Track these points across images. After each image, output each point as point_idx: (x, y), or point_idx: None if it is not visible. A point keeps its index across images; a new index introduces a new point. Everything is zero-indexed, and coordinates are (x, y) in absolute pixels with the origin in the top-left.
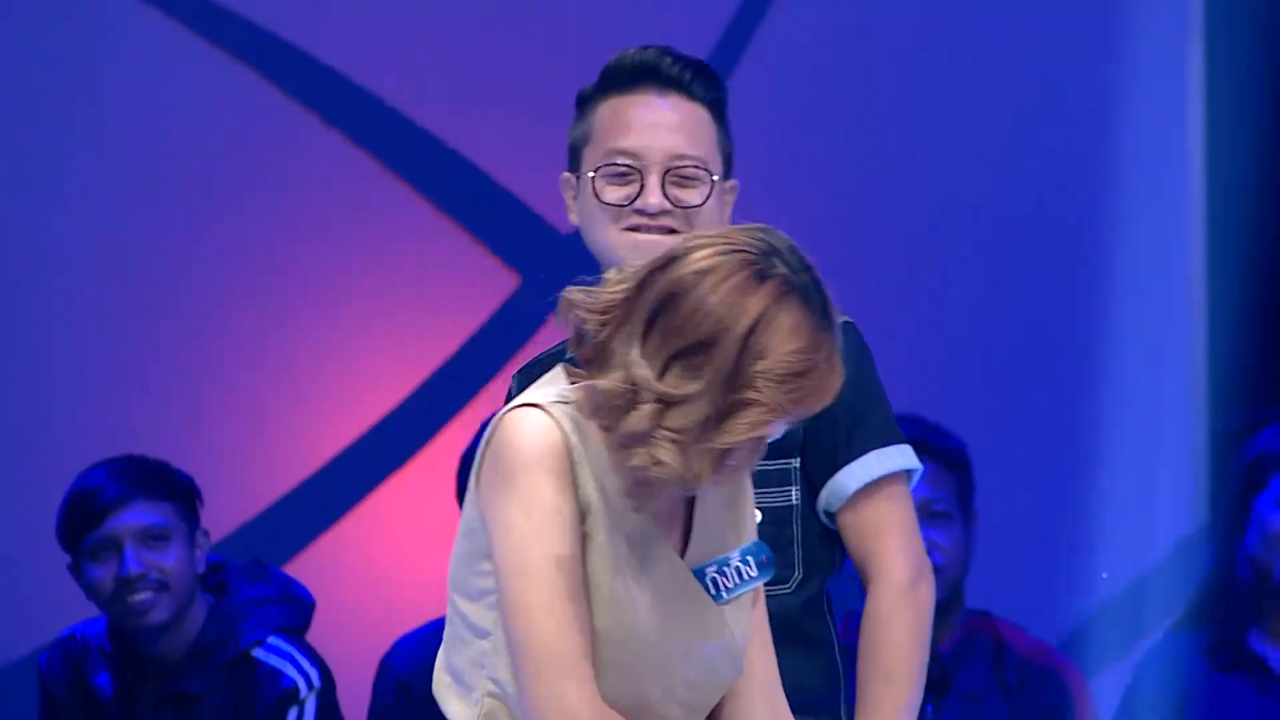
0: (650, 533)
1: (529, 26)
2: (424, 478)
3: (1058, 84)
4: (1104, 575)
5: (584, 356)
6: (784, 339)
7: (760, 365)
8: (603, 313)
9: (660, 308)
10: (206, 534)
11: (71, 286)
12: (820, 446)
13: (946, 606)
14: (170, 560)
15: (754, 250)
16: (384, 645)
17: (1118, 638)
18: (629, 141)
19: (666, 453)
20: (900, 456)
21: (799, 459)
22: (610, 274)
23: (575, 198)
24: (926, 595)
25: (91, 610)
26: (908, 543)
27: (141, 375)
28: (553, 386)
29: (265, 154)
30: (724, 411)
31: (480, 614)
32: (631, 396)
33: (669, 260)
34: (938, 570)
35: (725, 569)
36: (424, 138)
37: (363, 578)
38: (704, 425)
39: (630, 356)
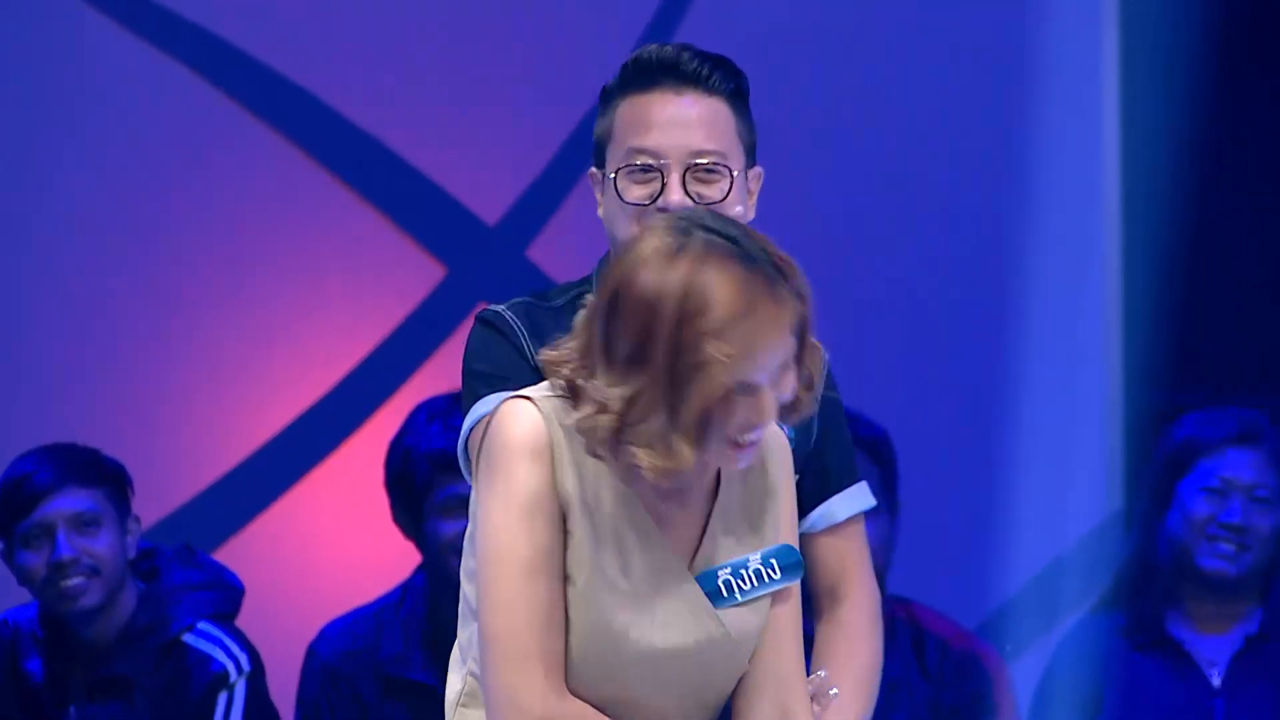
0: (646, 532)
1: (454, 18)
2: (352, 466)
3: (973, 75)
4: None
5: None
6: (716, 290)
7: (700, 323)
8: (580, 358)
9: (607, 327)
10: (137, 520)
11: (4, 280)
12: (814, 466)
13: None
14: (101, 545)
15: (670, 233)
16: (312, 631)
17: (1034, 621)
18: (648, 140)
19: (641, 455)
20: (868, 493)
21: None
22: (577, 319)
23: (602, 193)
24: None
25: (23, 596)
26: (871, 574)
27: (72, 364)
28: (547, 384)
29: (192, 146)
30: (682, 382)
31: (474, 595)
32: (596, 414)
33: (607, 284)
34: None
35: (742, 571)
36: (350, 130)
37: (292, 564)
38: (667, 409)
39: (593, 382)
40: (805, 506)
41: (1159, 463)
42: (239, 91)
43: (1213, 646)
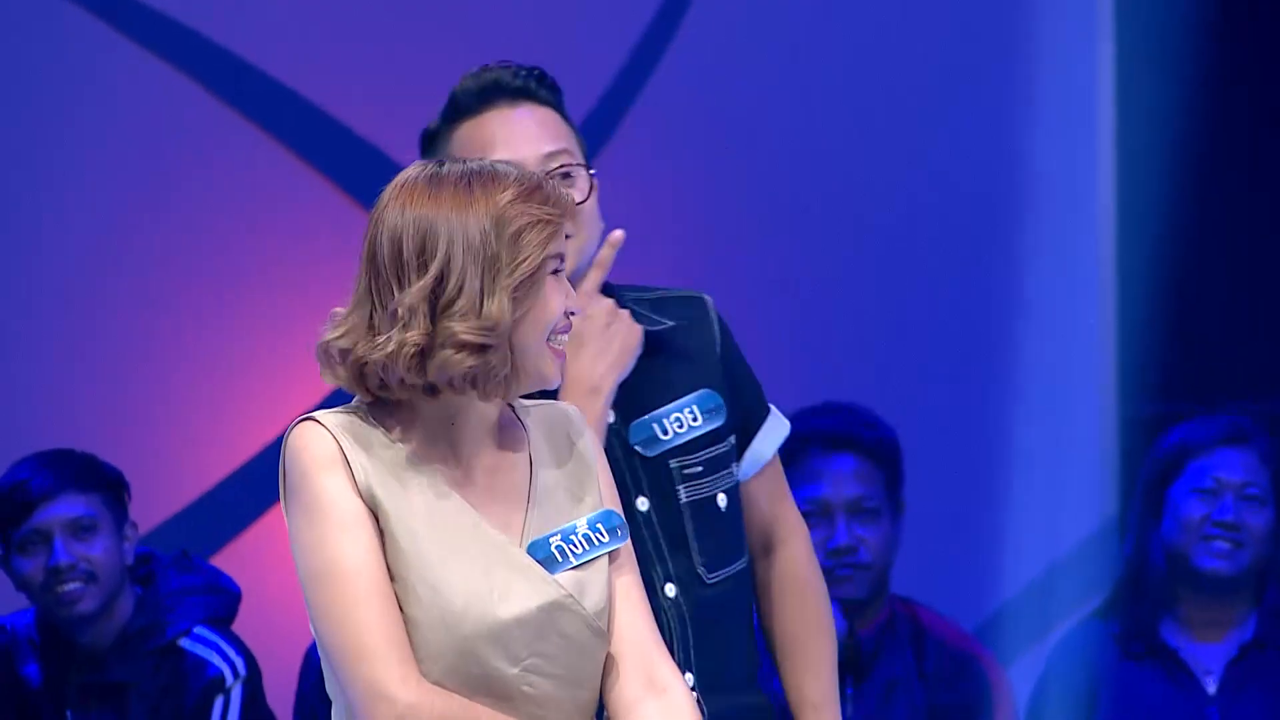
0: (464, 516)
1: (451, 21)
2: None
3: (971, 80)
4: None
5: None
6: (509, 173)
7: (512, 194)
8: (360, 308)
9: (392, 248)
10: (134, 526)
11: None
12: (735, 419)
13: (870, 600)
14: (98, 551)
15: (421, 166)
16: (309, 635)
17: (1029, 626)
18: (498, 156)
19: (459, 329)
20: (781, 418)
21: (734, 436)
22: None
23: None
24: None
25: (21, 601)
26: (794, 505)
27: (68, 369)
28: (341, 407)
29: (199, 156)
30: (502, 247)
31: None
32: (403, 330)
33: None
34: (864, 568)
35: (571, 537)
36: (348, 136)
37: (288, 569)
38: (482, 277)
39: (384, 312)
40: (738, 455)
41: (1150, 469)
42: (237, 98)
43: (1208, 654)
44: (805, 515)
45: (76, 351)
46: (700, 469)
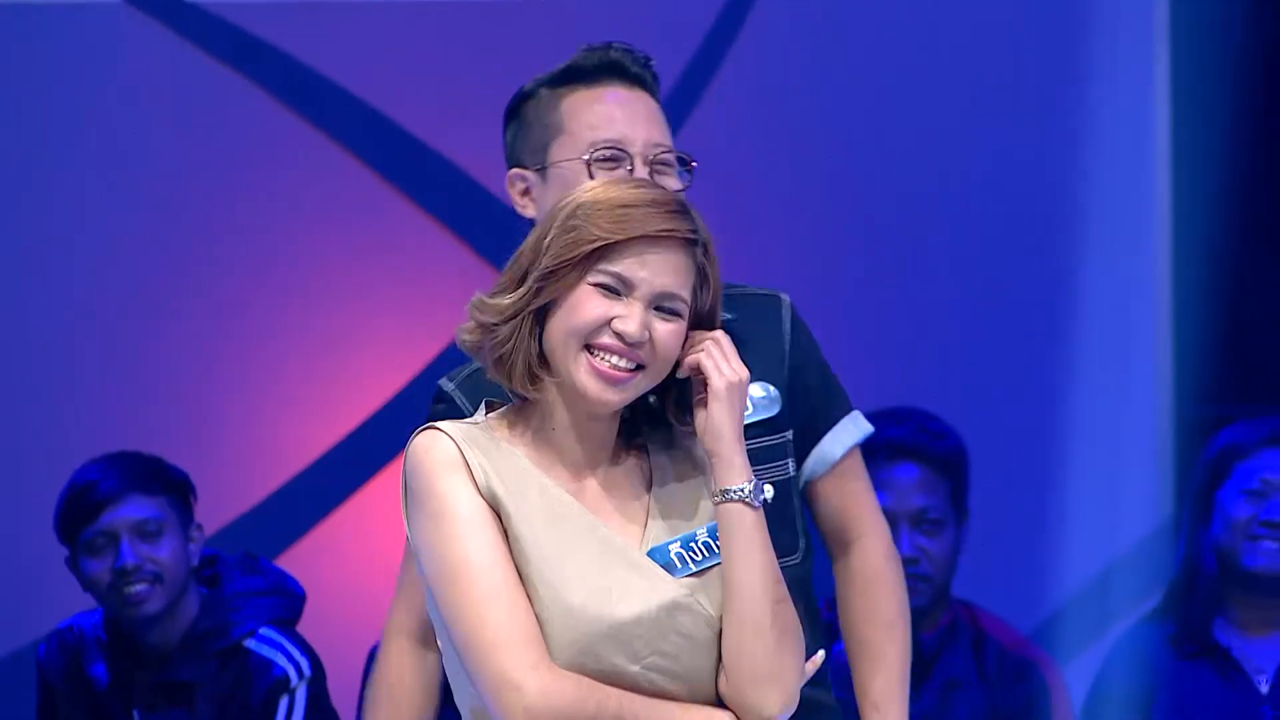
0: (582, 519)
1: (514, 30)
2: None
3: (1027, 86)
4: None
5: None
6: (606, 185)
7: (583, 201)
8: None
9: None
10: (200, 527)
11: (67, 286)
12: (799, 417)
13: (931, 607)
14: (165, 553)
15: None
16: (373, 636)
17: (1086, 627)
18: (614, 130)
19: (474, 329)
20: (862, 421)
21: (791, 432)
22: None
23: (527, 192)
24: (898, 554)
25: (88, 602)
26: (878, 505)
27: (137, 373)
28: (478, 415)
29: (259, 159)
30: (551, 243)
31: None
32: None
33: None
34: (925, 579)
35: (691, 544)
36: (409, 141)
37: (352, 571)
38: (531, 264)
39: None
40: (802, 454)
41: (1198, 473)
42: (304, 106)
43: (1260, 652)
44: None
45: (143, 355)
46: (751, 455)
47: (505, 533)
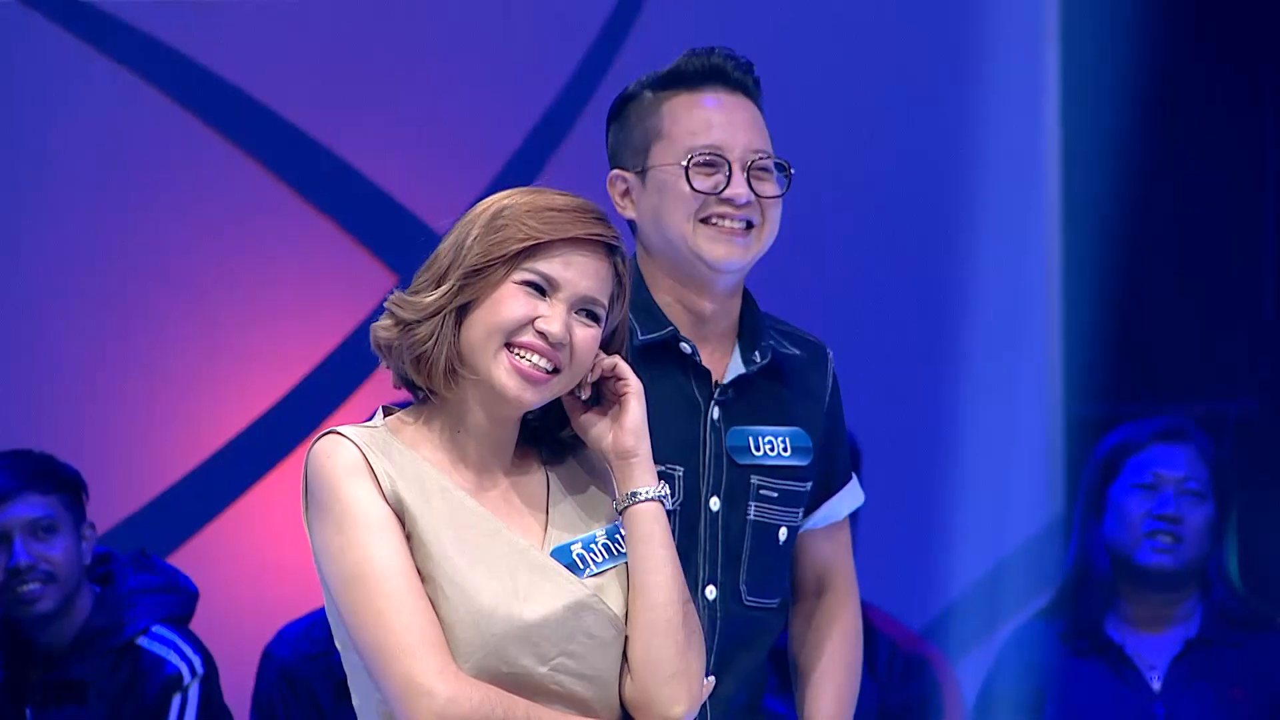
0: (486, 522)
1: (406, 29)
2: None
3: (918, 84)
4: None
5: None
6: (534, 192)
7: (512, 203)
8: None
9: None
10: (92, 526)
11: None
12: (818, 469)
13: None
14: (57, 551)
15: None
16: (267, 634)
17: (977, 624)
18: (713, 136)
19: (392, 327)
20: (858, 488)
21: (811, 484)
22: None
23: (627, 193)
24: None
25: None
26: (854, 570)
27: (26, 371)
28: (371, 418)
29: (150, 157)
30: (476, 240)
31: (348, 646)
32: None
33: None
34: None
35: (592, 545)
36: (302, 140)
37: (245, 568)
38: (454, 261)
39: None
40: (811, 506)
41: (1090, 470)
42: (197, 105)
43: (1152, 649)
44: None
45: (34, 352)
46: (775, 495)
47: (409, 537)
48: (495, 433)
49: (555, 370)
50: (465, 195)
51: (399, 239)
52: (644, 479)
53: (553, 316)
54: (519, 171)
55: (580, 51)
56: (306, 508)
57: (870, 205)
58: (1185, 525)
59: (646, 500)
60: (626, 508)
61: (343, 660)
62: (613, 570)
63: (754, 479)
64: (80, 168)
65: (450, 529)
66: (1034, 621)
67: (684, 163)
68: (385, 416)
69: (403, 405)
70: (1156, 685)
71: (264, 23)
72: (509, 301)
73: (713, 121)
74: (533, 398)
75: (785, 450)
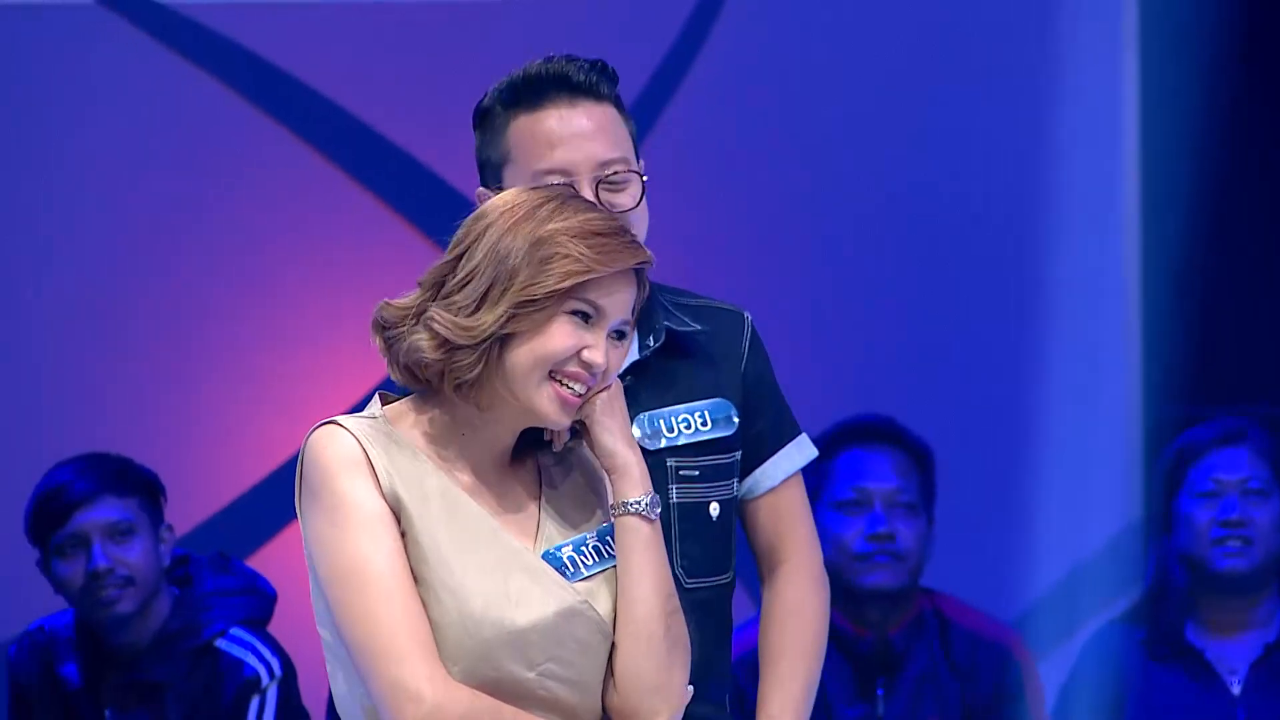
0: (482, 522)
1: (483, 31)
2: None
3: (995, 87)
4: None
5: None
6: (585, 211)
7: (564, 222)
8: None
9: (467, 250)
10: (170, 528)
11: (37, 287)
12: (750, 431)
13: (902, 594)
14: (135, 555)
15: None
16: None
17: (1057, 625)
18: (555, 159)
19: (440, 319)
20: (809, 446)
21: (740, 452)
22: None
23: None
24: (827, 583)
25: (60, 603)
26: (813, 531)
27: (107, 374)
28: (370, 408)
29: (235, 161)
30: (526, 264)
31: (335, 634)
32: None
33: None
34: (900, 556)
35: (583, 548)
36: (389, 147)
37: None
38: (495, 279)
39: (434, 311)
40: (743, 474)
41: (1158, 482)
42: (277, 109)
43: (1232, 653)
44: (846, 505)
45: (113, 355)
46: (696, 473)
47: (403, 535)
48: (504, 439)
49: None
50: None
51: None
52: (629, 489)
53: (597, 346)
54: None
55: (661, 51)
56: (300, 496)
57: (950, 207)
58: (1253, 526)
59: (632, 512)
60: (618, 516)
61: (323, 645)
62: (602, 574)
63: (670, 461)
64: (161, 174)
65: (446, 531)
66: (1114, 626)
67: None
68: (383, 405)
69: (399, 391)
70: (1237, 689)
71: (345, 26)
72: (559, 334)
73: (555, 140)
74: (568, 421)
75: (704, 424)
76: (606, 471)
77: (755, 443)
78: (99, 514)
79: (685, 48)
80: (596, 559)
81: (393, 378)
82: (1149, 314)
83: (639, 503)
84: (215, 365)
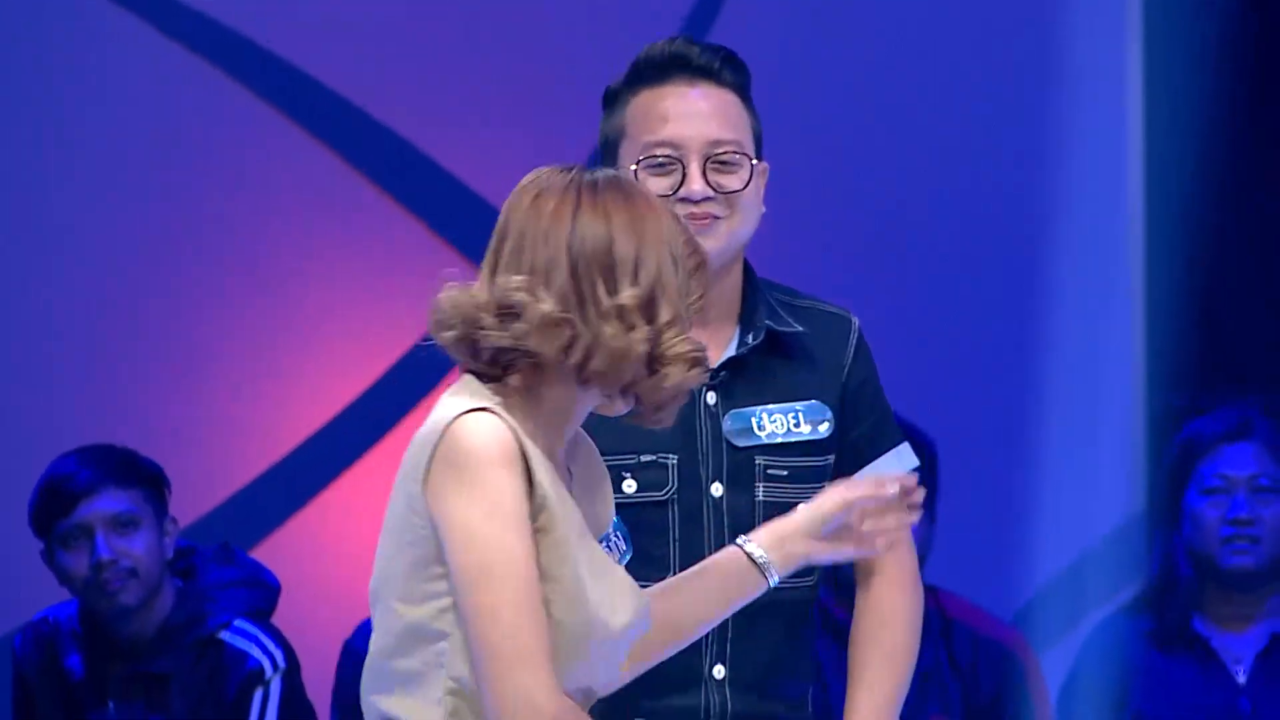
0: (578, 516)
1: (494, 27)
2: (386, 465)
3: (1000, 77)
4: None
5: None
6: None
7: (678, 233)
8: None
9: (588, 264)
10: (174, 520)
11: (39, 279)
12: (849, 437)
13: None
14: (139, 547)
15: (556, 173)
16: (348, 629)
17: (1061, 616)
18: (666, 132)
19: (681, 346)
20: (909, 455)
21: (834, 457)
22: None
23: None
24: (921, 588)
25: (64, 594)
26: (910, 537)
27: (110, 365)
28: (476, 396)
29: (233, 152)
30: (676, 265)
31: (433, 617)
32: (625, 330)
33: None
34: None
35: (609, 546)
36: (386, 135)
37: (327, 562)
38: (678, 293)
39: (593, 307)
40: (845, 477)
41: (1164, 477)
42: (284, 102)
43: (1238, 643)
44: None
45: (116, 347)
46: (785, 473)
47: (541, 532)
48: (575, 426)
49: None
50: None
51: (481, 233)
52: (779, 552)
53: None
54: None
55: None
56: (433, 476)
57: (955, 198)
58: (1261, 524)
59: (759, 563)
60: (749, 555)
61: (396, 616)
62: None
63: (759, 459)
64: (162, 163)
65: (571, 528)
66: (1119, 616)
67: (634, 165)
68: (489, 396)
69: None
70: (1242, 679)
71: (353, 19)
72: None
73: (669, 115)
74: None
75: (797, 425)
76: (797, 511)
77: (854, 448)
78: (103, 505)
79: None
80: (617, 555)
81: (469, 366)
82: (1152, 305)
83: (769, 565)
84: (220, 357)
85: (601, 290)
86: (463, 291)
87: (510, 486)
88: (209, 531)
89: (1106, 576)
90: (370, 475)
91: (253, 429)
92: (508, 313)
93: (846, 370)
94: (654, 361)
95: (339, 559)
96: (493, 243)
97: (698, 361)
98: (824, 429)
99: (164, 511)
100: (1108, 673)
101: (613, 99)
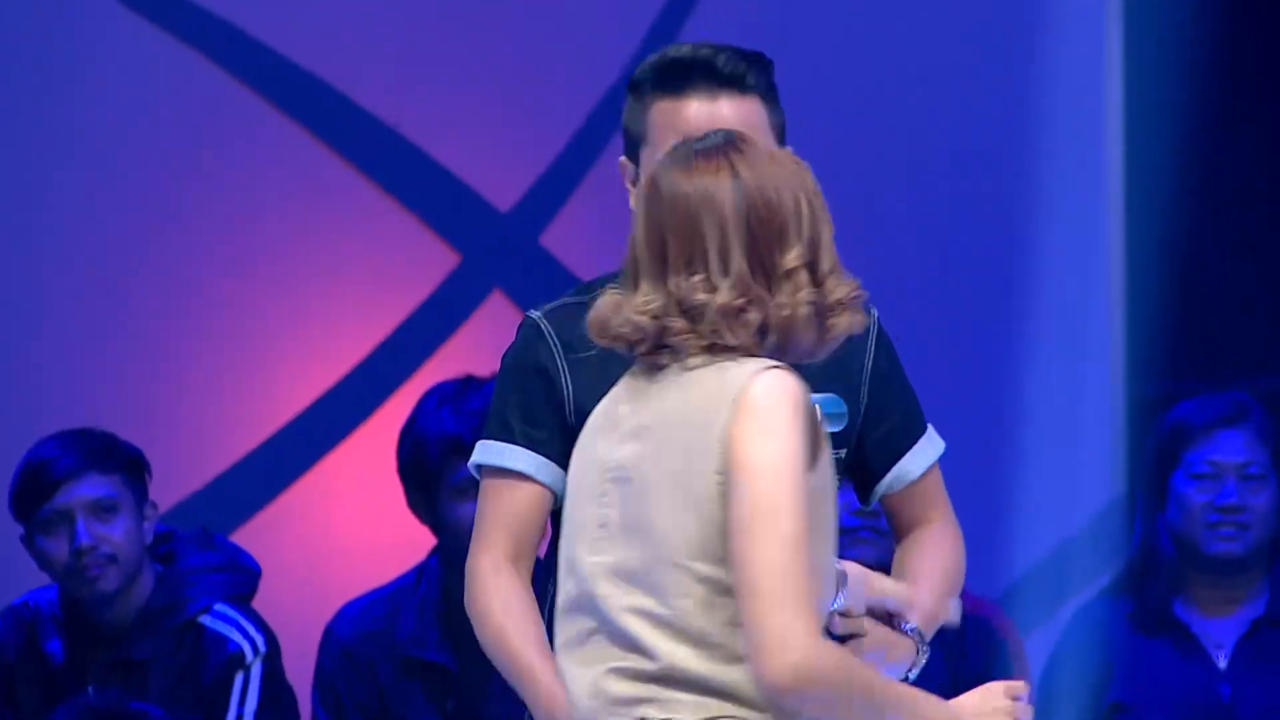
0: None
1: (468, 6)
2: (367, 450)
3: (979, 62)
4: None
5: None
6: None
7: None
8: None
9: (750, 222)
10: (154, 505)
11: (20, 266)
12: (877, 430)
13: (885, 570)
14: (119, 532)
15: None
16: (328, 613)
17: (1042, 602)
18: None
19: (844, 310)
20: (937, 438)
21: (845, 451)
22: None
23: (633, 183)
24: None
25: (44, 579)
26: (951, 511)
27: (88, 349)
28: (753, 360)
29: (206, 133)
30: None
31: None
32: (795, 292)
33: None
34: (881, 533)
35: None
36: (365, 118)
37: (307, 547)
38: (830, 248)
39: (760, 278)
40: (879, 472)
41: (1150, 457)
42: (255, 80)
43: (1219, 629)
44: None
45: (96, 331)
46: None
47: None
48: None
49: None
50: (527, 173)
51: (460, 215)
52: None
53: None
54: (582, 150)
55: (641, 31)
56: (736, 426)
57: (933, 185)
58: (1249, 512)
59: (909, 635)
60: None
61: (686, 575)
62: None
63: None
64: (142, 148)
65: (832, 482)
66: (1100, 599)
67: None
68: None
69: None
70: (1223, 664)
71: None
72: None
73: (691, 131)
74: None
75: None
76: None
77: (888, 439)
78: (83, 490)
79: (657, 44)
80: None
81: (739, 342)
82: (1132, 289)
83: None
84: (199, 341)
85: (776, 255)
86: (634, 303)
87: (805, 436)
88: (189, 516)
89: (1087, 562)
90: (351, 459)
91: (233, 413)
92: (693, 311)
93: (869, 362)
94: (822, 314)
95: (319, 543)
96: (641, 244)
97: (859, 300)
98: (840, 421)
99: (144, 496)
100: (1088, 657)
101: (638, 91)
